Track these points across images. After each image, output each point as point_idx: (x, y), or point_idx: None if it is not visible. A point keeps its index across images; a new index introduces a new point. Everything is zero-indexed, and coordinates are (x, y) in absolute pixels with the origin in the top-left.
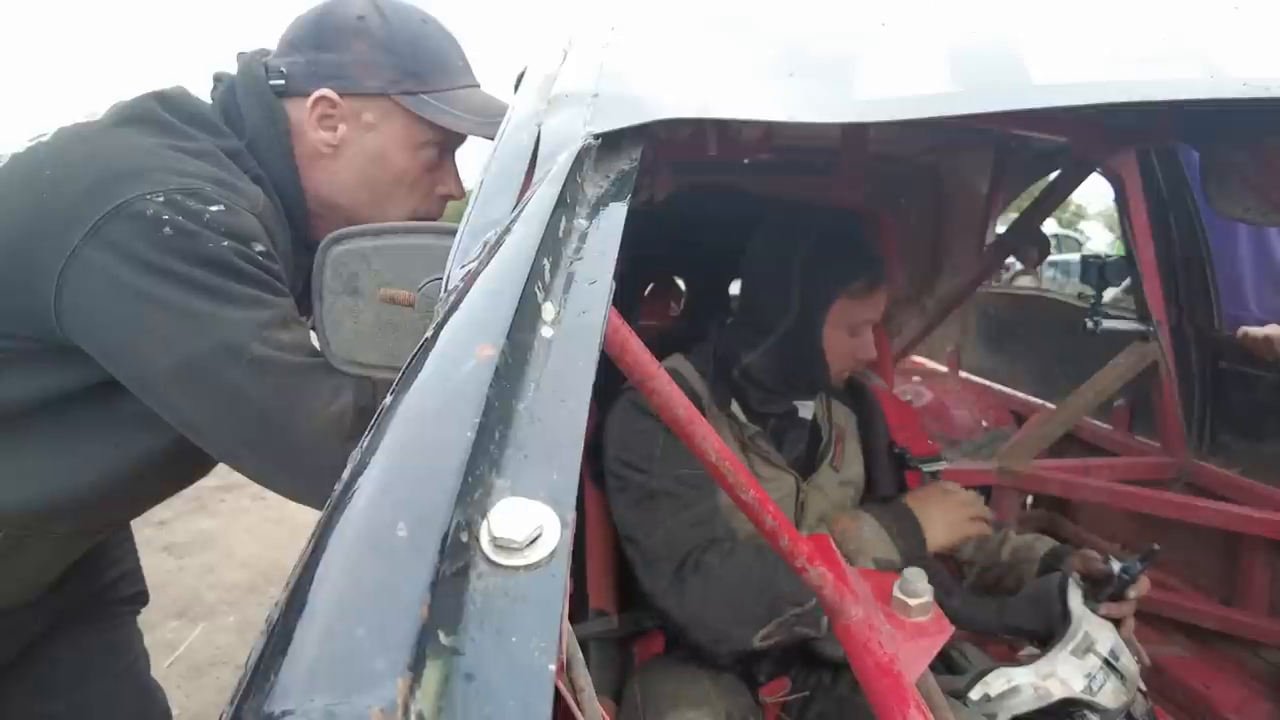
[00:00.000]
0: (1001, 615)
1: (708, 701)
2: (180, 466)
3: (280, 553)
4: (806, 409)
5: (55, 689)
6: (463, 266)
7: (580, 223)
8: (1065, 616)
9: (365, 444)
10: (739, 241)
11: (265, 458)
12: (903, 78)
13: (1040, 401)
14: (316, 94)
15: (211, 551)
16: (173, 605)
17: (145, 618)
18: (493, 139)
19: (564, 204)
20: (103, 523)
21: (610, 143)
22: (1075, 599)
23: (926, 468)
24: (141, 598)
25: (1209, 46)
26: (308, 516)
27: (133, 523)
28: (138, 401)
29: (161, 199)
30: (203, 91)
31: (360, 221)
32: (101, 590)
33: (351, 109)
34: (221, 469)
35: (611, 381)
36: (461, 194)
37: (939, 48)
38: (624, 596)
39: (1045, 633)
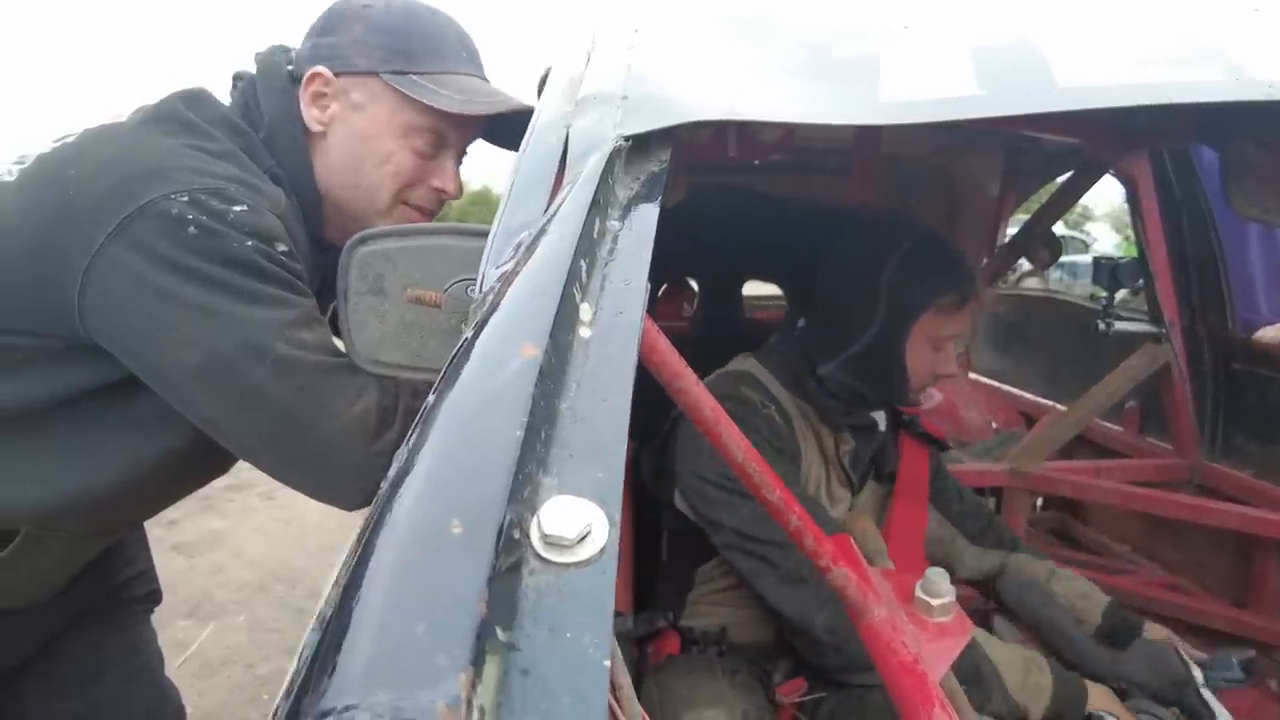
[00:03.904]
0: (1114, 665)
1: (724, 701)
2: (197, 465)
3: (289, 551)
4: (879, 417)
5: (72, 687)
6: (498, 267)
7: (613, 224)
8: (1192, 687)
9: (411, 442)
10: (751, 241)
11: (288, 457)
12: (927, 80)
13: (1050, 403)
14: (310, 71)
15: (221, 550)
16: (183, 604)
17: (156, 617)
18: (483, 125)
19: (597, 206)
20: (119, 522)
21: (640, 144)
22: (1199, 673)
23: (943, 443)
24: (155, 596)
25: (1230, 48)
26: (317, 516)
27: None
28: (155, 400)
29: (186, 199)
30: (224, 93)
31: (355, 210)
32: (116, 589)
33: (342, 87)
34: (235, 463)
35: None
36: (458, 193)
37: (963, 50)
38: (639, 597)
39: (1161, 692)
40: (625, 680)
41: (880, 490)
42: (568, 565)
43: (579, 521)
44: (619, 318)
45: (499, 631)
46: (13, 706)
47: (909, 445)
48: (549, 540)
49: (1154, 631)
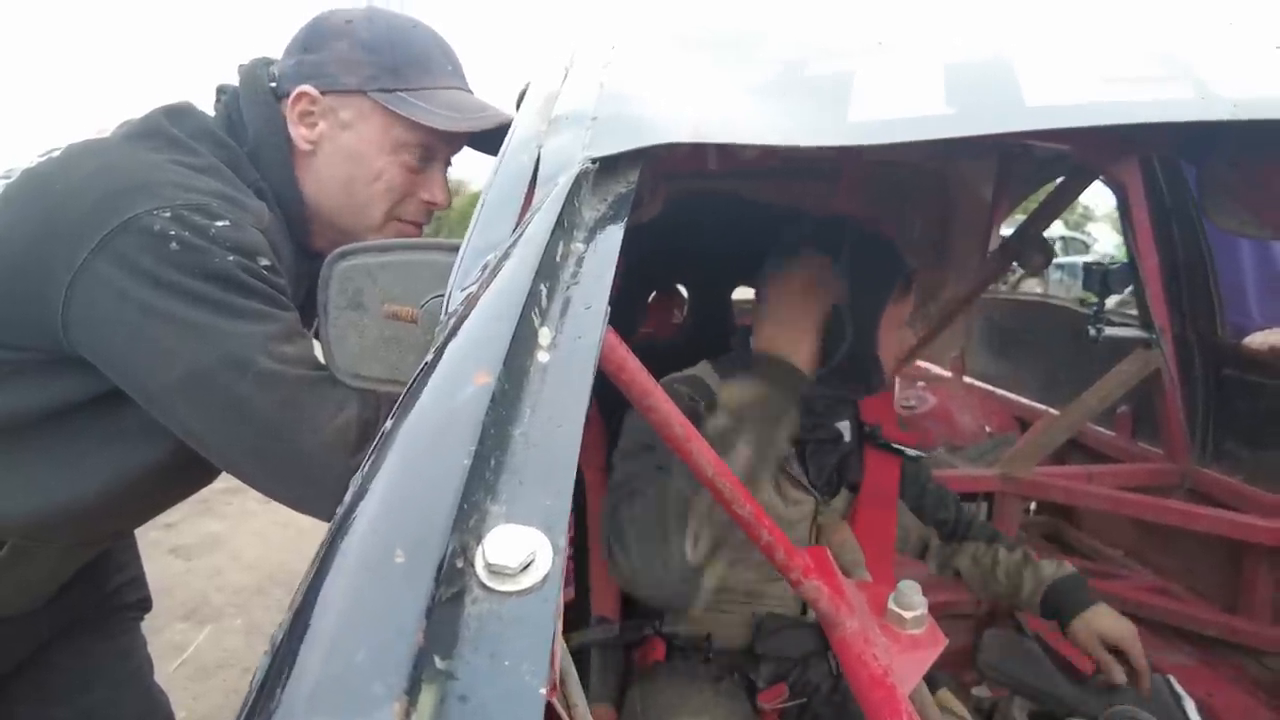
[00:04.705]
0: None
1: (708, 709)
2: (183, 476)
3: (286, 555)
4: (844, 428)
5: (62, 695)
6: (463, 289)
7: (577, 246)
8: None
9: (365, 469)
10: (740, 248)
11: (270, 469)
12: (897, 99)
13: (1044, 407)
14: (297, 90)
15: (219, 554)
16: (180, 607)
17: (152, 620)
18: (468, 134)
19: (561, 228)
20: (106, 532)
21: (608, 166)
22: (1191, 706)
23: (909, 451)
24: (146, 604)
25: (1202, 65)
26: (314, 520)
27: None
28: (140, 412)
29: (168, 214)
30: (208, 105)
31: (345, 225)
32: (107, 597)
33: (330, 106)
34: (221, 473)
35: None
36: (447, 203)
37: (934, 68)
38: (626, 603)
39: None
40: (580, 699)
41: (852, 499)
42: (509, 593)
43: (523, 550)
44: (578, 342)
45: (437, 660)
46: (3, 713)
47: (873, 455)
48: (492, 569)
49: (1095, 624)
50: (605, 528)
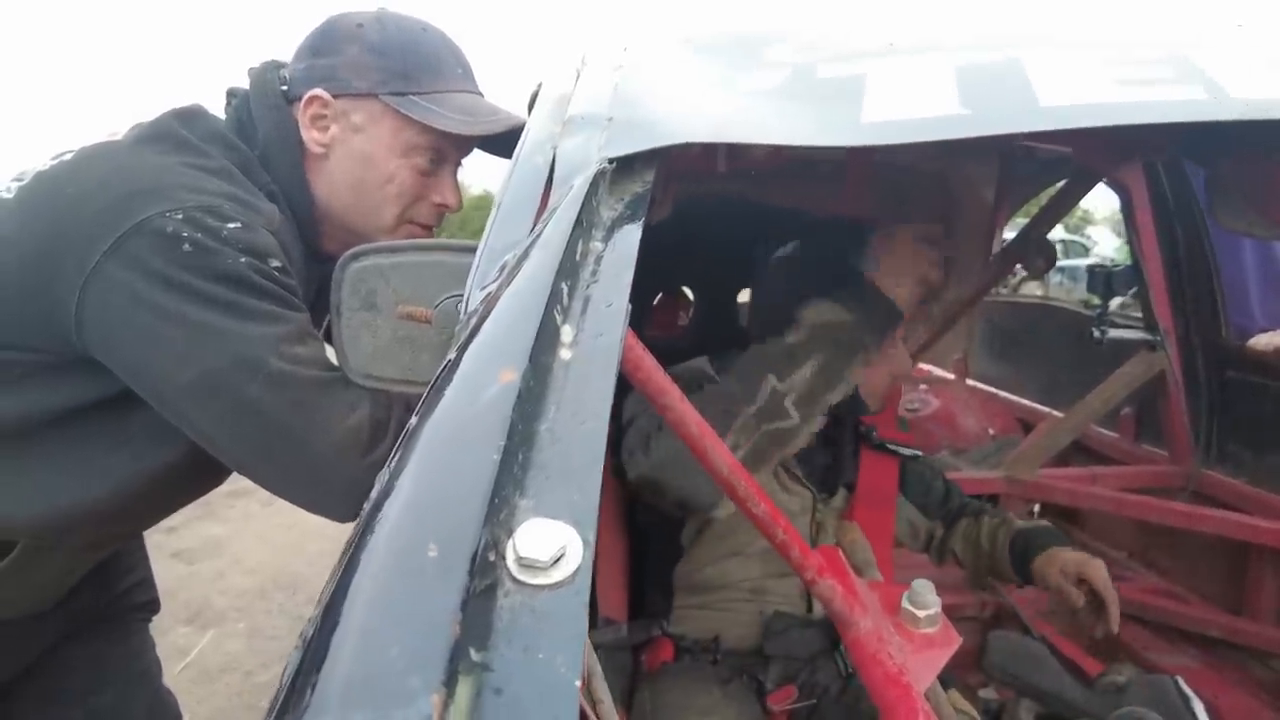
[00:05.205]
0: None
1: (716, 710)
2: (191, 479)
3: (289, 558)
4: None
5: (71, 696)
6: (482, 288)
7: (596, 245)
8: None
9: (392, 465)
10: (746, 250)
11: (282, 470)
12: (911, 100)
13: (1047, 409)
14: (309, 94)
15: (221, 557)
16: (183, 611)
17: (156, 624)
18: (480, 137)
19: (580, 227)
20: (115, 534)
21: (624, 166)
22: (1199, 705)
23: (905, 450)
24: (154, 605)
25: (1212, 66)
26: (317, 522)
27: None
28: (147, 416)
29: (181, 216)
30: (219, 108)
31: (356, 227)
32: (116, 598)
33: (341, 109)
34: (231, 475)
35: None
36: (458, 206)
37: (947, 70)
38: (634, 605)
39: None
40: (605, 695)
41: (850, 498)
42: (542, 587)
43: (553, 544)
44: (599, 340)
45: (472, 652)
46: (16, 712)
47: (869, 455)
48: (523, 562)
49: (1058, 558)
50: (626, 442)
